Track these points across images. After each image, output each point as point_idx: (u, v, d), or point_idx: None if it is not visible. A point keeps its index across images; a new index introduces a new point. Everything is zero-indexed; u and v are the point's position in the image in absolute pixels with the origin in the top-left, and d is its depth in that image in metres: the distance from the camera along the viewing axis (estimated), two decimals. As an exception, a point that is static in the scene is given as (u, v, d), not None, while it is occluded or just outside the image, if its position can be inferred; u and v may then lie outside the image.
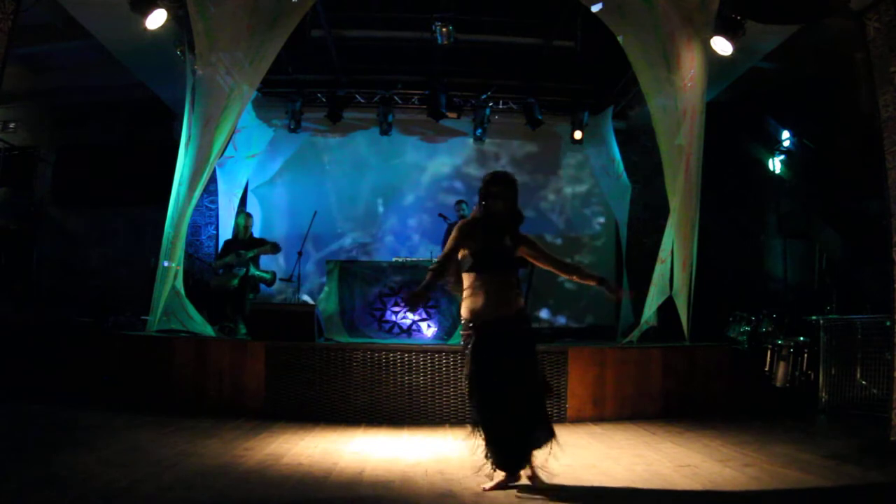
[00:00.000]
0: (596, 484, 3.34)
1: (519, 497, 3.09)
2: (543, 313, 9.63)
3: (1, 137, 9.38)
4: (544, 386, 3.33)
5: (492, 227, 3.28)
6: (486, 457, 3.22)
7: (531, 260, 3.44)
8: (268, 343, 5.39)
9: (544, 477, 3.26)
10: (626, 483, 3.37)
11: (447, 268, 3.26)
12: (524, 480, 3.25)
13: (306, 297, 7.86)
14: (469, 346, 3.22)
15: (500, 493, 3.13)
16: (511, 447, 3.18)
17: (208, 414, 5.06)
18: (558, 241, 9.88)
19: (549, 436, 3.21)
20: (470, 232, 3.27)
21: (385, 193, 9.80)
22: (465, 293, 3.30)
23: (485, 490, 3.16)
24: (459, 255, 3.28)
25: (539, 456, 3.22)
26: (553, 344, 6.31)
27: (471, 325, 3.23)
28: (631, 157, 9.40)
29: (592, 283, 3.40)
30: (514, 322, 3.24)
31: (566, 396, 5.33)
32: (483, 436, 3.22)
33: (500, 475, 3.21)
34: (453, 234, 3.29)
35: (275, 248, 7.31)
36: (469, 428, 3.32)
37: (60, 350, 5.64)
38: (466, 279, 3.29)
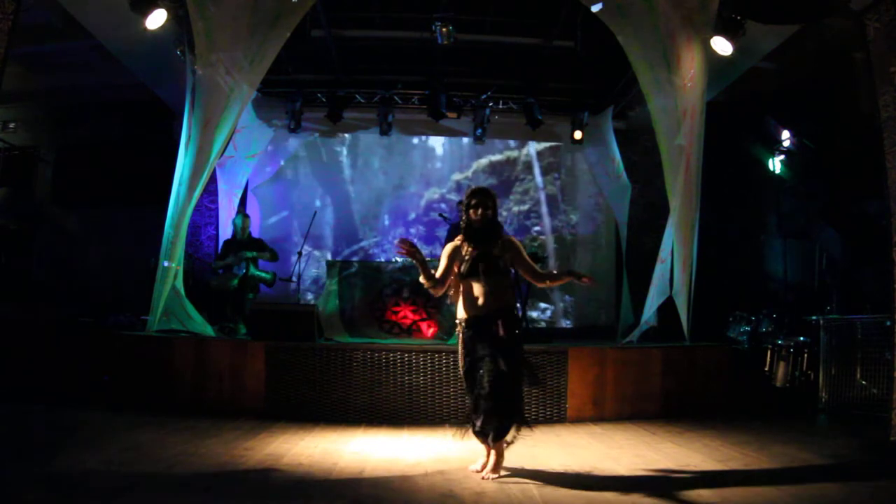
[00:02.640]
0: (596, 484, 3.34)
1: (520, 497, 3.09)
2: (543, 313, 9.64)
3: (1, 137, 9.38)
4: (522, 380, 3.58)
5: (475, 238, 3.54)
6: (474, 431, 3.47)
7: (514, 265, 3.65)
8: (268, 343, 5.39)
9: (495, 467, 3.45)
10: (626, 483, 3.36)
11: (444, 282, 3.57)
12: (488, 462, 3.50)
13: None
14: (461, 341, 3.54)
15: (500, 494, 3.13)
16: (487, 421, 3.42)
17: (208, 414, 5.06)
18: (556, 242, 9.90)
19: (515, 424, 3.50)
20: (457, 249, 3.58)
21: (385, 193, 9.83)
22: (460, 298, 3.60)
23: (475, 472, 3.47)
24: (455, 269, 3.57)
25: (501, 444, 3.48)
26: (553, 344, 6.32)
27: (461, 323, 3.56)
28: (631, 157, 9.40)
29: (566, 280, 3.69)
30: (500, 319, 3.45)
31: (566, 396, 5.33)
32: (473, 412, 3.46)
33: (483, 457, 3.53)
34: (444, 253, 3.59)
35: (273, 257, 7.46)
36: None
37: (60, 350, 5.64)
38: (462, 286, 3.57)
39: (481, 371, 3.39)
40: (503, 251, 3.56)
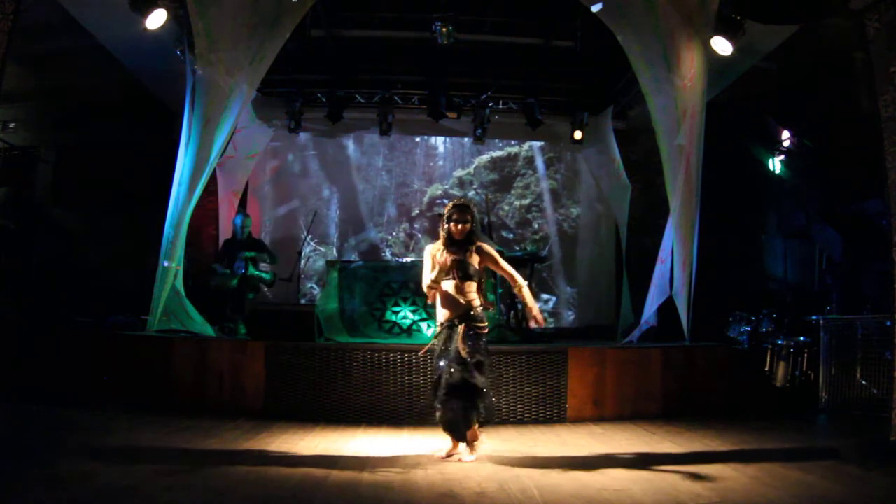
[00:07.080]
0: (595, 484, 3.34)
1: (520, 497, 3.09)
2: (546, 304, 9.67)
3: (1, 137, 9.37)
4: (483, 379, 3.87)
5: (451, 245, 3.92)
6: (443, 426, 3.87)
7: (492, 268, 4.02)
8: (268, 343, 5.40)
9: (467, 455, 3.86)
10: (626, 483, 3.37)
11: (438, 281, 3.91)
12: (457, 451, 3.90)
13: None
14: (437, 340, 3.93)
15: (500, 494, 3.13)
16: (456, 419, 3.81)
17: (208, 414, 5.06)
18: (558, 235, 9.91)
19: (476, 416, 3.84)
20: (435, 253, 3.94)
21: (385, 193, 9.86)
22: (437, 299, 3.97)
23: (440, 458, 3.83)
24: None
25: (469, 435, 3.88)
26: (553, 344, 6.32)
27: (440, 324, 3.94)
28: (631, 157, 9.40)
29: (528, 306, 3.97)
30: (465, 321, 3.83)
31: (566, 396, 5.34)
32: (440, 410, 3.84)
33: (449, 445, 3.91)
34: (428, 255, 3.96)
35: (273, 260, 7.56)
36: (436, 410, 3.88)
37: (60, 350, 5.64)
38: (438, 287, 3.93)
39: (446, 372, 3.78)
40: (477, 256, 3.91)
